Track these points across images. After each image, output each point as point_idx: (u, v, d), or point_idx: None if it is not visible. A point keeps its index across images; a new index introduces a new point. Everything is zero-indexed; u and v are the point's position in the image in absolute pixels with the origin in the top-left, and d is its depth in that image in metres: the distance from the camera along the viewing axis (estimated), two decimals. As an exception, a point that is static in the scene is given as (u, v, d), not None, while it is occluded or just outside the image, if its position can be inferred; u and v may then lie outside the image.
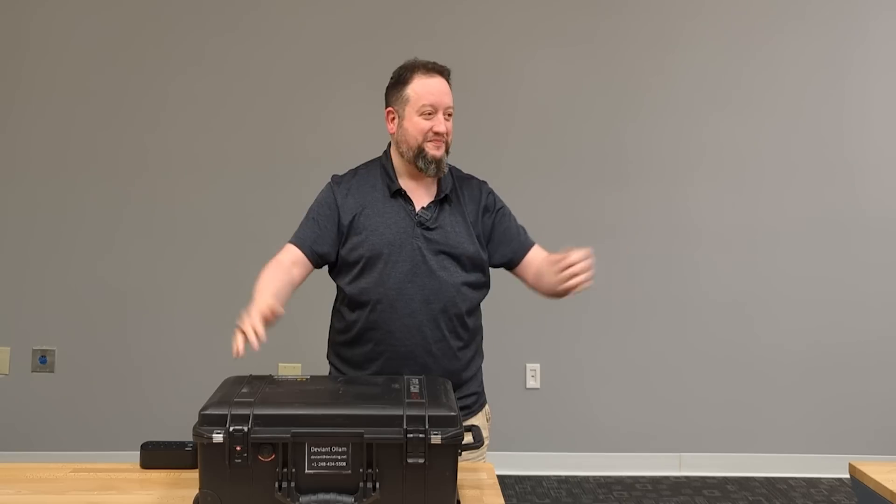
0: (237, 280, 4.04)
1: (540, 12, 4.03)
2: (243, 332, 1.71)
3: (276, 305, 1.80)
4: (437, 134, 2.01)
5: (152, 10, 3.97)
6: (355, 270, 2.06)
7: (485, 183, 2.21)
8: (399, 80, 2.05)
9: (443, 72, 2.05)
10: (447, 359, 2.04)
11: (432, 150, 2.02)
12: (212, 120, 4.00)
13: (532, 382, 4.05)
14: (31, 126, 3.96)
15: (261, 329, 1.72)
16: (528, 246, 2.16)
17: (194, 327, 3.98)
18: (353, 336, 2.08)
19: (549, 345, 4.06)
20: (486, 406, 2.18)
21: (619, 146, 4.05)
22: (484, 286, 2.14)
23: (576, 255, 1.87)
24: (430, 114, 2.01)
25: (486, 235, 2.13)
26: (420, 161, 2.03)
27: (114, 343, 3.98)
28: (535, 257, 2.14)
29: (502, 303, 4.04)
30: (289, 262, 2.04)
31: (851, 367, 4.07)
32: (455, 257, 2.05)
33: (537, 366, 4.05)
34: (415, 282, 2.02)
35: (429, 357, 2.03)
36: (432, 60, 2.06)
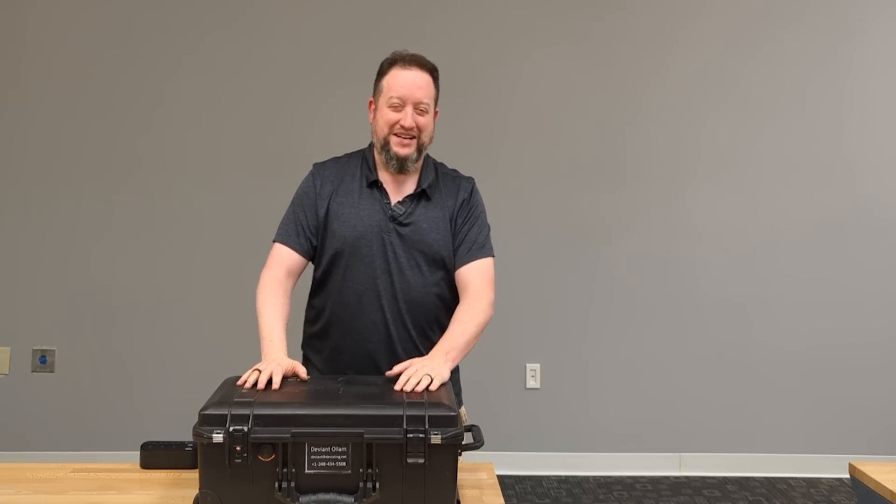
0: (237, 279, 4.06)
1: (536, 11, 4.03)
2: (258, 372, 1.70)
3: (300, 369, 1.77)
4: (403, 128, 1.96)
5: (147, 8, 3.97)
6: (325, 262, 2.04)
7: (469, 179, 2.14)
8: (379, 71, 2.03)
9: (423, 65, 1.99)
10: (412, 357, 1.96)
11: (396, 145, 1.97)
12: (208, 118, 3.99)
13: (532, 382, 4.05)
14: (31, 126, 3.96)
15: (278, 384, 1.69)
16: (465, 260, 2.03)
17: (194, 327, 3.98)
18: (320, 328, 2.07)
19: (549, 345, 4.06)
20: (462, 408, 2.14)
21: (617, 146, 4.05)
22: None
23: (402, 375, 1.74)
24: (398, 106, 1.96)
25: (453, 231, 2.06)
26: (384, 155, 2.00)
27: (114, 343, 3.98)
28: (465, 274, 2.02)
29: (502, 303, 4.03)
30: (283, 274, 2.01)
31: (851, 368, 4.07)
32: (427, 255, 2.01)
33: (537, 366, 4.05)
34: (384, 278, 2.00)
35: (393, 356, 1.99)
36: (418, 54, 2.02)
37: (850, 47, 4.05)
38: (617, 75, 4.04)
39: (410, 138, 1.98)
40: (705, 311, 4.06)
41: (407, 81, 1.95)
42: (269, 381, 1.69)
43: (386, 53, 2.06)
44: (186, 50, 3.98)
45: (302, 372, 1.77)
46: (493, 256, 2.08)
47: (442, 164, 2.15)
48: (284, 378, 1.72)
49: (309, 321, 2.13)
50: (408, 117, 1.96)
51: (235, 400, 1.56)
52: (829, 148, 4.06)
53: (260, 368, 1.72)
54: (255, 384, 1.67)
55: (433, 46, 4.01)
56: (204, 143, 3.99)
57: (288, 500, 1.50)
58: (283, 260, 2.03)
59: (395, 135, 1.97)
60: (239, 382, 1.68)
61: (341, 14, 4.00)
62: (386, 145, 1.99)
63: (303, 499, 1.51)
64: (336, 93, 4.00)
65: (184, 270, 3.99)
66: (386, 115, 1.97)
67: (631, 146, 4.05)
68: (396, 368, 1.77)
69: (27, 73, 3.95)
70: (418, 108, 1.97)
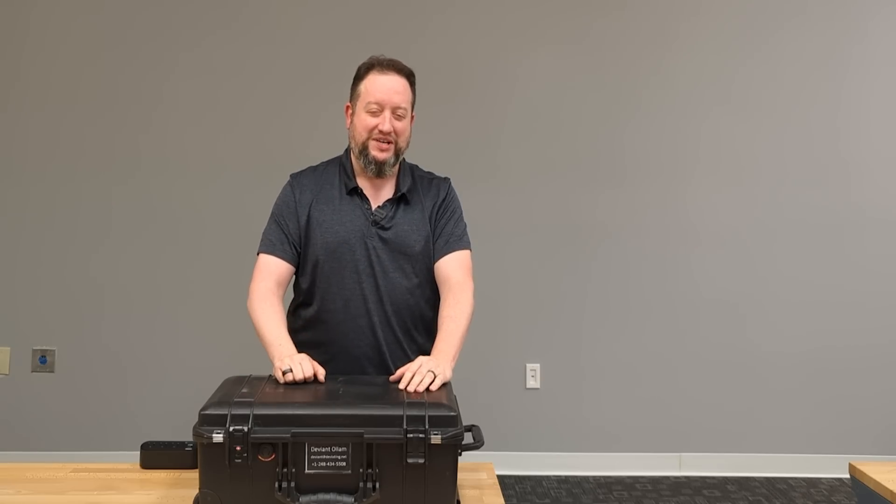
0: (237, 279, 4.05)
1: (535, 11, 4.03)
2: (290, 371, 1.74)
3: (318, 369, 1.79)
4: (382, 133, 1.98)
5: (146, 7, 3.96)
6: (309, 269, 2.05)
7: (445, 180, 2.17)
8: (356, 76, 2.05)
9: (400, 70, 2.01)
10: (399, 360, 2.00)
11: (374, 150, 1.99)
12: (208, 118, 3.99)
13: (532, 382, 4.05)
14: (31, 125, 3.96)
15: (321, 372, 1.76)
16: (443, 252, 2.07)
17: (194, 327, 3.98)
18: (309, 336, 2.08)
19: (549, 345, 4.05)
20: None
21: (615, 146, 4.05)
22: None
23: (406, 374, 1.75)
24: (376, 111, 1.98)
25: (432, 229, 2.09)
26: (363, 159, 2.02)
27: (114, 343, 3.97)
28: (444, 266, 2.06)
29: (502, 303, 4.05)
30: (273, 283, 2.01)
31: (851, 368, 4.06)
32: (410, 257, 2.04)
33: (537, 366, 4.05)
34: (368, 282, 2.01)
35: (381, 359, 2.02)
36: (395, 59, 2.03)
37: (847, 47, 4.05)
38: (615, 74, 4.04)
39: (388, 143, 2.00)
40: (706, 310, 4.06)
41: (385, 86, 1.97)
42: (269, 378, 1.72)
43: (385, 53, 2.07)
44: (186, 49, 3.98)
45: (321, 373, 1.79)
46: (471, 250, 2.12)
47: (416, 166, 2.17)
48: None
49: (295, 330, 2.13)
50: (386, 122, 1.97)
51: (235, 400, 1.56)
52: (828, 147, 4.06)
53: (287, 367, 1.74)
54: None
55: (432, 46, 4.04)
56: (204, 142, 3.99)
57: (288, 500, 1.50)
58: (272, 270, 2.03)
59: (374, 139, 1.99)
60: (282, 381, 1.72)
61: (341, 14, 4.00)
62: (364, 150, 2.01)
63: (303, 499, 1.51)
64: (336, 92, 3.97)
65: (184, 270, 3.99)
66: (364, 120, 1.99)
67: (629, 145, 4.04)
68: (401, 370, 1.77)
69: (27, 73, 3.95)
70: (396, 113, 1.99)
